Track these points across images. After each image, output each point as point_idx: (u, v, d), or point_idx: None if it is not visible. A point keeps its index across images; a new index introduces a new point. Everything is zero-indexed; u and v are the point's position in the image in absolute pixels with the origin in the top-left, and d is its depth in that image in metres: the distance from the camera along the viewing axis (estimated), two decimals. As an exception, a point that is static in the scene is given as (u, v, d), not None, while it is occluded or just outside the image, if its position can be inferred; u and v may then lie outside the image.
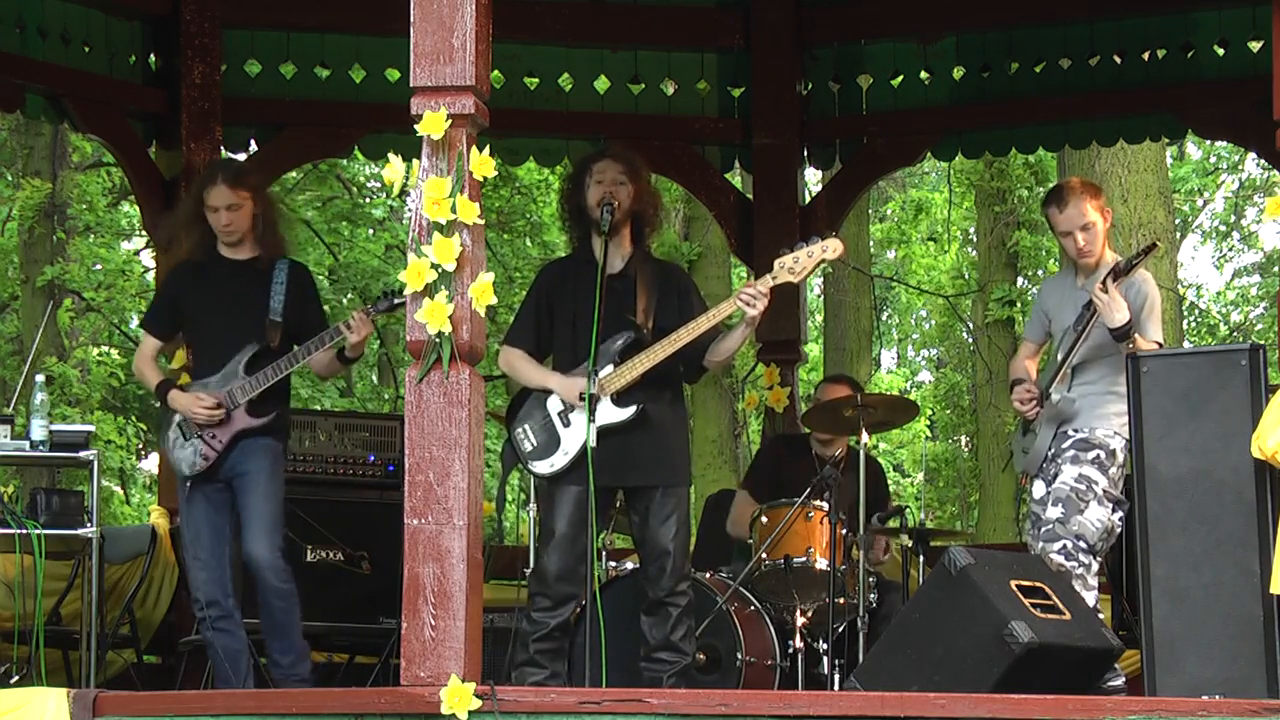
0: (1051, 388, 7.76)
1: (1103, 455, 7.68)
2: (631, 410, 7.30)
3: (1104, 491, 7.65)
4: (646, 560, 7.46)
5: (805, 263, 7.29)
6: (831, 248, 7.29)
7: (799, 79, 10.81)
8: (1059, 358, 7.81)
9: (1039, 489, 7.78)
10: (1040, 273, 19.74)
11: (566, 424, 7.36)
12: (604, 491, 7.32)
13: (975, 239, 20.96)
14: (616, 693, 6.18)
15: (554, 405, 7.40)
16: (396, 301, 7.80)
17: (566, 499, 7.34)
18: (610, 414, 7.29)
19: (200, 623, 7.76)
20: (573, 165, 7.81)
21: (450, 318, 6.16)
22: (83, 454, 8.14)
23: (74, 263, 19.36)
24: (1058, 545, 7.58)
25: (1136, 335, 7.55)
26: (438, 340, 6.16)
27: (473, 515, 6.15)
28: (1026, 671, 6.58)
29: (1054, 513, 7.63)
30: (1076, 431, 7.73)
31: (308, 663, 7.76)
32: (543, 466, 7.39)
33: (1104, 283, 7.58)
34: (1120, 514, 7.68)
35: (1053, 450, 7.77)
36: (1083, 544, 7.59)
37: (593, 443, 7.17)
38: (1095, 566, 7.64)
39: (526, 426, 7.42)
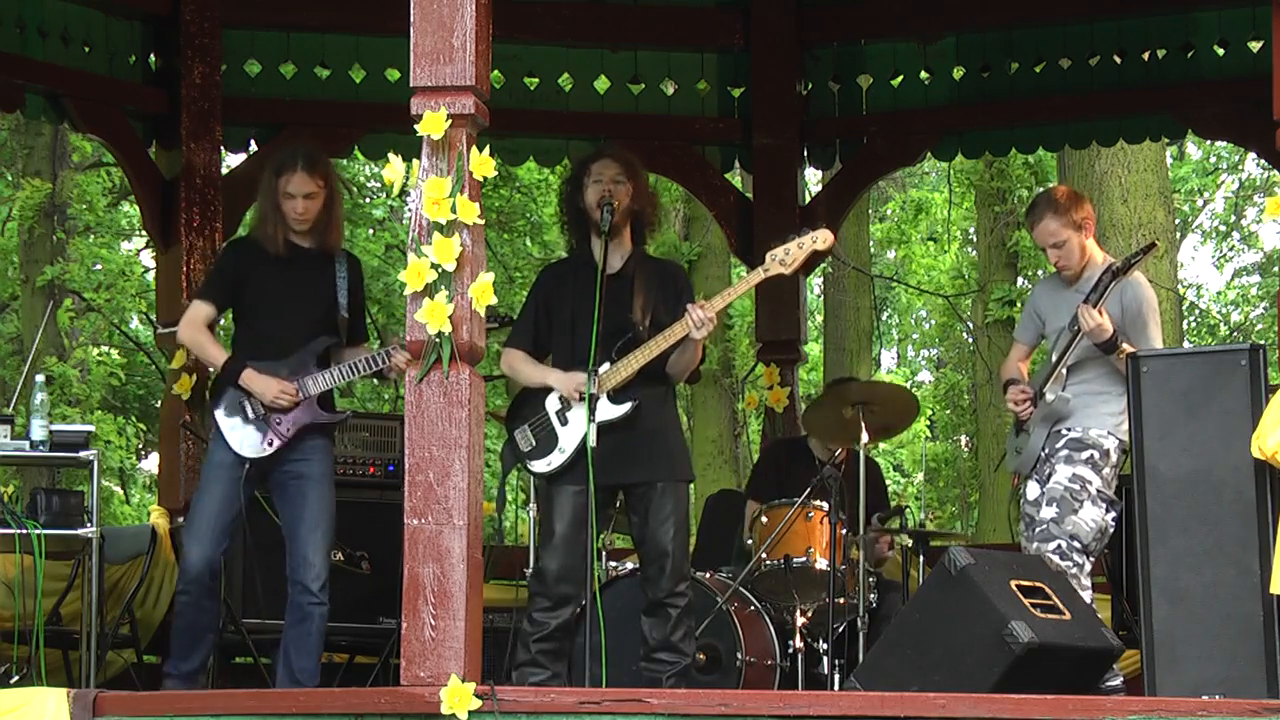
0: (1046, 387, 7.76)
1: (1096, 455, 7.68)
2: (627, 406, 7.32)
3: (1098, 491, 7.65)
4: (646, 561, 7.47)
5: (795, 254, 7.33)
6: (821, 238, 7.35)
7: (799, 79, 10.81)
8: (1053, 358, 7.82)
9: (1033, 490, 7.79)
10: (1040, 273, 19.72)
11: (564, 422, 7.38)
12: (604, 490, 7.34)
13: (975, 239, 20.97)
14: (616, 693, 6.18)
15: (552, 404, 7.41)
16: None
17: (565, 499, 7.35)
18: (606, 411, 7.31)
19: (179, 594, 7.61)
20: (571, 166, 7.80)
21: (450, 318, 6.16)
22: (83, 454, 8.12)
23: (74, 263, 19.37)
24: (1052, 545, 7.58)
25: (1124, 344, 7.54)
26: (438, 340, 6.16)
27: (473, 515, 6.16)
28: (1026, 671, 6.58)
29: (1048, 513, 7.64)
30: (1070, 431, 7.73)
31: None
32: (540, 465, 7.41)
33: (1087, 301, 7.60)
34: (1114, 514, 7.68)
35: (1046, 450, 7.77)
36: (1077, 544, 7.59)
37: (593, 442, 7.19)
38: (1088, 566, 7.65)
39: (525, 426, 7.44)
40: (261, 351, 7.65)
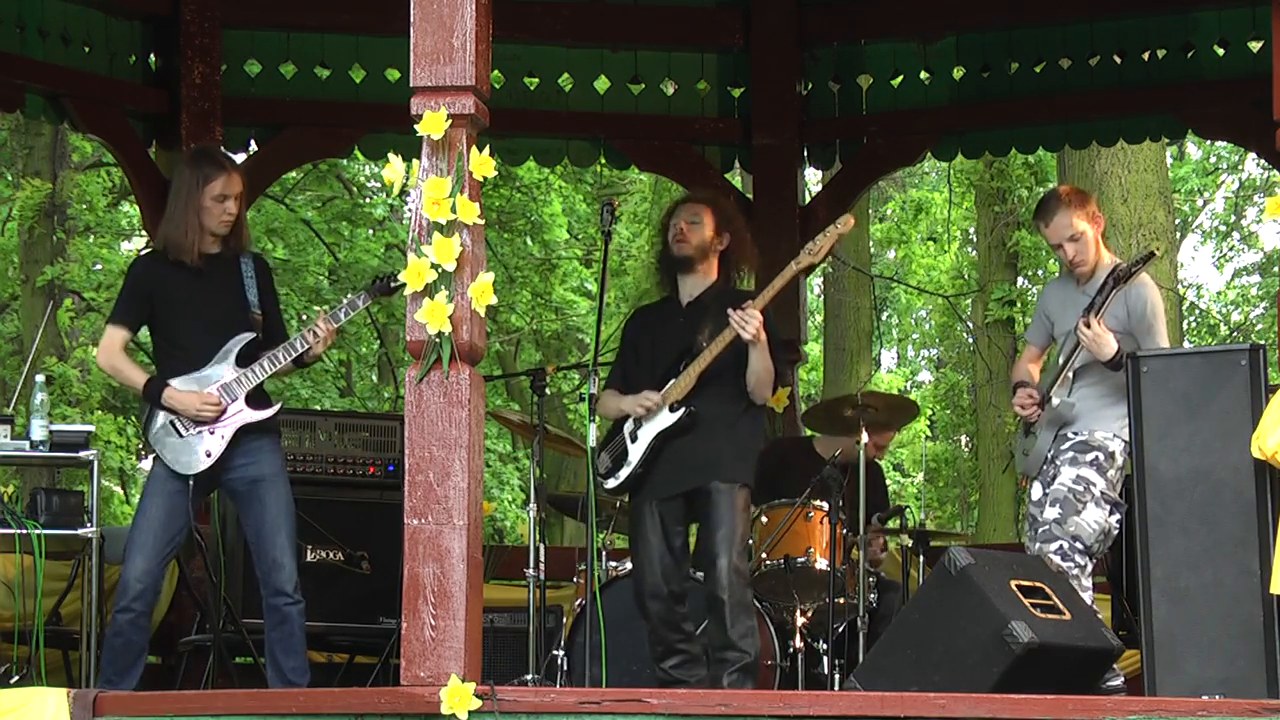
0: (1052, 391, 7.76)
1: (1101, 457, 7.67)
2: (681, 413, 7.65)
3: (1102, 493, 7.65)
4: (700, 563, 7.70)
5: (822, 242, 7.73)
6: (842, 222, 7.76)
7: (799, 79, 10.81)
8: (1060, 361, 7.81)
9: (1037, 491, 7.78)
10: (1040, 273, 19.75)
11: (634, 440, 7.72)
12: (673, 500, 7.68)
13: (975, 239, 20.97)
14: (616, 693, 6.18)
15: (628, 427, 7.76)
16: (360, 304, 7.85)
17: (637, 513, 7.73)
18: (664, 419, 7.67)
19: (120, 612, 7.40)
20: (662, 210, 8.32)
21: (450, 318, 6.16)
22: (83, 454, 8.12)
23: (74, 263, 19.37)
24: (1054, 546, 7.57)
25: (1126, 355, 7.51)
26: (438, 340, 6.16)
27: (473, 515, 6.15)
28: (1026, 671, 6.57)
29: (1051, 514, 7.63)
30: (1076, 434, 7.73)
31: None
32: (611, 482, 7.74)
33: (1086, 319, 7.58)
34: (1118, 516, 7.67)
35: (1052, 452, 7.76)
36: (1079, 545, 7.58)
37: (593, 442, 7.41)
38: (1090, 567, 7.64)
39: (604, 452, 7.72)
40: (181, 363, 7.52)
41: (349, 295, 7.95)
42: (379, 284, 7.85)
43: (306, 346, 7.55)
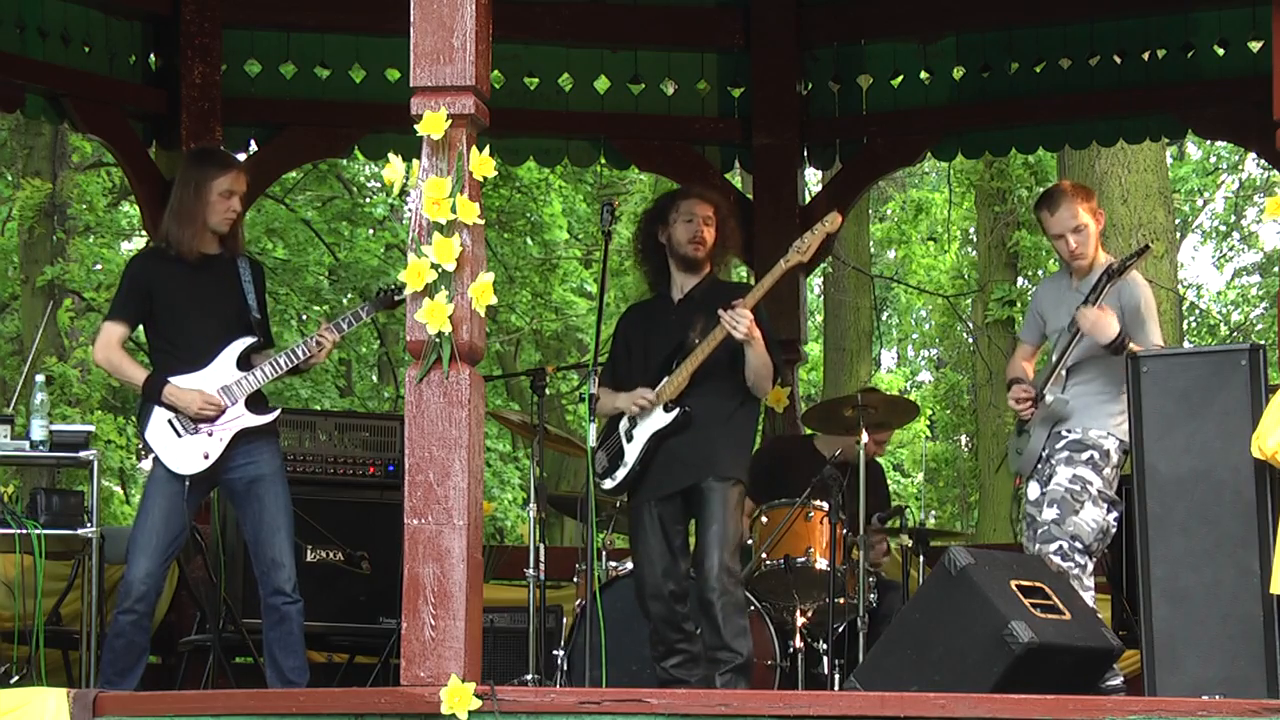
0: (1046, 388, 7.76)
1: (1097, 456, 7.68)
2: (675, 413, 7.63)
3: (1099, 492, 7.65)
4: (694, 561, 7.68)
5: (810, 240, 7.70)
6: (830, 220, 7.71)
7: (799, 79, 10.82)
8: (1053, 359, 7.82)
9: (1034, 490, 7.79)
10: (1040, 273, 19.74)
11: (630, 439, 7.70)
12: (670, 499, 7.66)
13: (975, 239, 20.97)
14: (616, 693, 6.18)
15: (623, 425, 7.74)
16: (364, 315, 7.89)
17: (636, 513, 7.70)
18: (659, 419, 7.64)
19: (122, 614, 7.41)
20: (656, 202, 8.07)
21: (450, 318, 6.16)
22: (83, 454, 8.12)
23: (74, 263, 19.37)
24: (1054, 546, 7.57)
25: (1130, 344, 7.52)
26: (438, 340, 6.16)
27: (473, 515, 6.16)
28: (1026, 671, 6.57)
29: (1049, 514, 7.63)
30: (1070, 432, 7.73)
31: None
32: (609, 482, 7.71)
33: (1086, 303, 7.59)
34: (1115, 515, 7.68)
35: (1047, 451, 7.77)
36: (1078, 544, 7.59)
37: (593, 442, 7.43)
38: (1091, 567, 7.65)
39: (601, 451, 7.69)
40: (178, 361, 7.50)
41: (352, 305, 7.98)
42: (382, 296, 7.89)
43: (308, 355, 7.57)
